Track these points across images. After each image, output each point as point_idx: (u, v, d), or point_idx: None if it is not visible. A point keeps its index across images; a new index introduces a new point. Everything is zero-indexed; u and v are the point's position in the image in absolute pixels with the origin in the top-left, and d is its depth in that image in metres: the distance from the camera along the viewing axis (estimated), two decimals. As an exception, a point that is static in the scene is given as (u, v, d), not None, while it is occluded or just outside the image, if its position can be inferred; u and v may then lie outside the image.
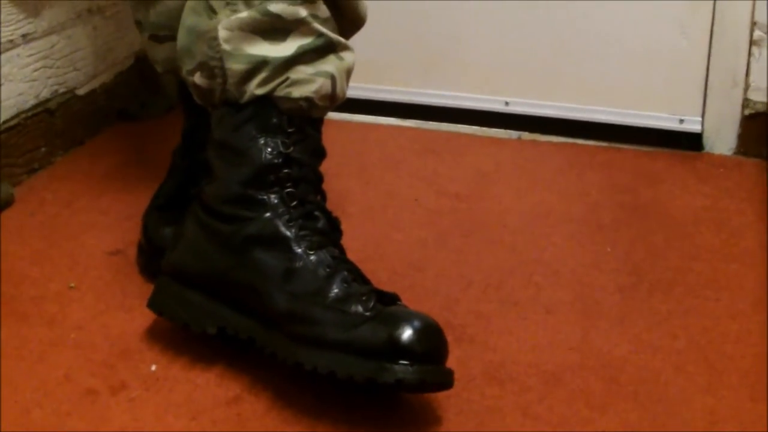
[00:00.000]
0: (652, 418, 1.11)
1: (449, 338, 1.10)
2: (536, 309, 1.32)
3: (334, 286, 1.10)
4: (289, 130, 1.14)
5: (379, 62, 1.93)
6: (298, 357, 1.08)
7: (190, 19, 1.17)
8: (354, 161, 1.74)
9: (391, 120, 1.95)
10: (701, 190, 1.69)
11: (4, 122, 1.61)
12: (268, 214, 1.13)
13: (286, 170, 1.14)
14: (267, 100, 1.14)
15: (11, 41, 1.62)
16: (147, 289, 1.28)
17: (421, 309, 1.12)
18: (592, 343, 1.25)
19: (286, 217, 1.13)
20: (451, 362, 1.10)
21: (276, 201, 1.13)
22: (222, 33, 1.13)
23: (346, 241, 1.20)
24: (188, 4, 1.19)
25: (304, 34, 1.14)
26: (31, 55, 1.66)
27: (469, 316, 1.30)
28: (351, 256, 1.18)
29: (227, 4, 1.14)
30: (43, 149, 1.70)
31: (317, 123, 1.18)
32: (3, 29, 1.59)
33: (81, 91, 1.80)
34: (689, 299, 1.35)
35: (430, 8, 1.92)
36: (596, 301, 1.35)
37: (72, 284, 1.36)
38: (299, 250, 1.12)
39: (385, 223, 1.55)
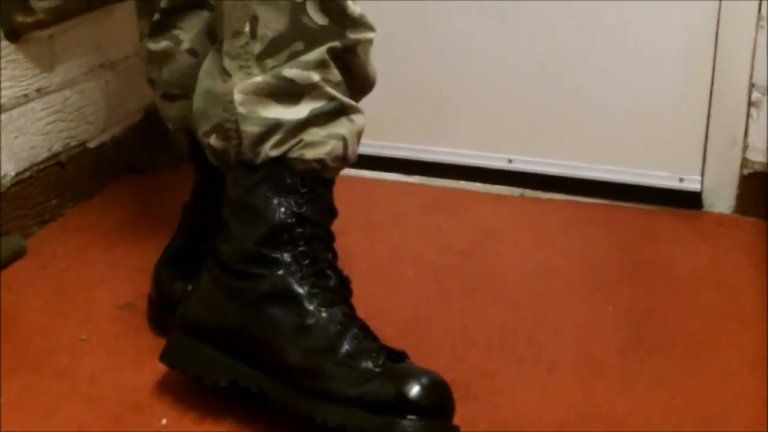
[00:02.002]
0: (652, 476, 1.13)
1: (454, 395, 1.13)
2: (539, 367, 1.34)
3: (345, 343, 1.13)
4: (302, 191, 1.17)
5: (386, 119, 1.95)
6: (309, 410, 1.10)
7: (205, 82, 1.21)
8: (360, 217, 1.77)
9: (397, 176, 1.98)
10: (701, 248, 1.71)
11: (17, 174, 1.64)
12: (281, 272, 1.16)
13: (299, 229, 1.17)
14: (281, 161, 1.17)
15: (26, 95, 1.65)
16: (157, 342, 1.30)
17: (426, 366, 1.15)
18: (593, 402, 1.27)
19: (299, 274, 1.16)
20: (456, 419, 1.12)
21: (289, 259, 1.16)
22: (237, 96, 1.16)
23: (351, 297, 1.22)
24: (203, 67, 1.22)
25: (317, 98, 1.17)
26: (44, 109, 1.70)
27: (473, 373, 1.32)
28: (357, 311, 1.21)
29: (241, 67, 1.17)
30: (54, 201, 1.73)
31: (329, 183, 1.21)
32: (18, 84, 1.63)
33: (92, 145, 1.83)
34: (688, 359, 1.37)
35: (436, 68, 1.95)
36: (597, 360, 1.36)
37: (83, 337, 1.38)
38: (311, 307, 1.15)
39: (390, 279, 1.57)
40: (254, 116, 1.16)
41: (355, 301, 1.23)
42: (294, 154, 1.17)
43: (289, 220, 1.16)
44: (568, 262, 1.64)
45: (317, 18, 1.17)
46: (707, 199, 1.86)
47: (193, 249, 1.40)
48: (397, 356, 1.14)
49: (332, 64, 1.18)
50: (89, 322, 1.42)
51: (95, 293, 1.50)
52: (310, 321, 1.14)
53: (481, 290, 1.55)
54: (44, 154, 1.70)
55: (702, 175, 1.86)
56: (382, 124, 1.94)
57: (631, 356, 1.38)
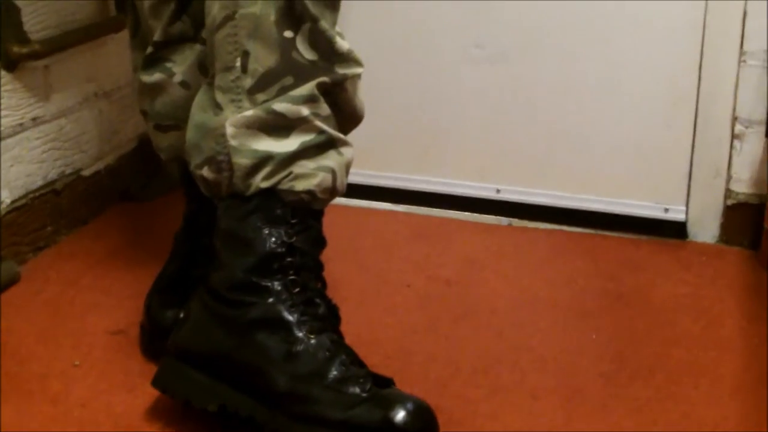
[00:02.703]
0: (632, 502, 1.15)
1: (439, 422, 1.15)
2: (522, 394, 1.36)
3: (333, 369, 1.16)
4: (292, 221, 1.20)
5: (375, 149, 1.97)
6: None
7: (198, 115, 1.23)
8: (348, 245, 1.79)
9: (385, 205, 1.99)
10: (684, 277, 1.72)
11: (12, 202, 1.66)
12: (271, 300, 1.19)
13: (289, 259, 1.19)
14: (271, 192, 1.19)
15: (21, 124, 1.67)
16: (149, 368, 1.32)
17: (411, 392, 1.17)
18: (575, 428, 1.29)
19: (289, 302, 1.18)
20: (440, 445, 1.15)
21: (279, 287, 1.19)
22: (229, 130, 1.19)
23: (340, 325, 1.25)
24: (196, 100, 1.25)
25: (307, 131, 1.20)
26: (39, 137, 1.72)
27: (457, 400, 1.34)
28: (345, 338, 1.23)
29: (232, 101, 1.20)
30: (48, 228, 1.75)
31: (318, 214, 1.24)
32: (14, 113, 1.65)
33: (86, 173, 1.84)
34: (669, 386, 1.39)
35: (424, 99, 1.97)
36: (580, 387, 1.38)
37: (76, 362, 1.40)
38: (300, 334, 1.17)
39: (377, 307, 1.59)
40: (245, 149, 1.19)
41: (343, 328, 1.25)
42: (284, 186, 1.19)
43: (279, 250, 1.19)
44: (553, 290, 1.66)
45: (306, 53, 1.20)
46: (692, 229, 1.89)
47: (184, 277, 1.42)
48: (383, 382, 1.17)
49: (321, 99, 1.21)
50: (82, 348, 1.44)
51: (88, 319, 1.52)
52: (299, 347, 1.17)
53: (467, 318, 1.57)
54: (39, 182, 1.72)
55: (687, 205, 1.88)
56: (371, 154, 1.95)
57: (613, 383, 1.40)
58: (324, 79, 1.21)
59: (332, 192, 1.23)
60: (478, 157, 1.97)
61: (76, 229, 1.82)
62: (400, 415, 1.11)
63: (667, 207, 1.89)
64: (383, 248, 1.81)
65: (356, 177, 1.92)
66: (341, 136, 1.24)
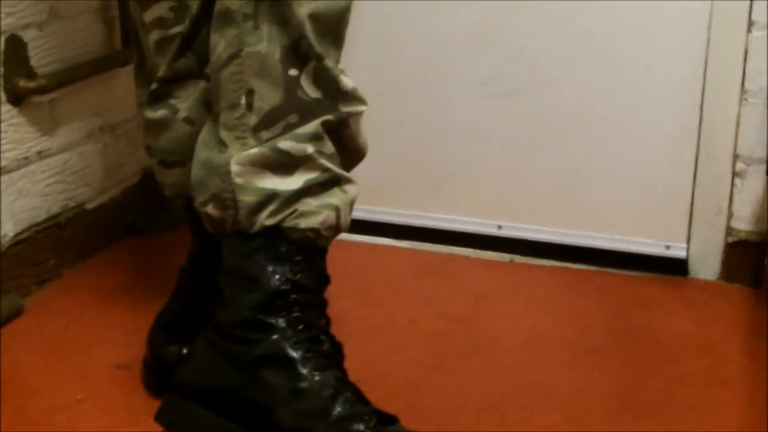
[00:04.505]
0: None
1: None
2: (529, 432, 1.36)
3: (338, 406, 1.16)
4: (297, 259, 1.20)
5: (379, 186, 1.97)
6: None
7: (203, 153, 1.24)
8: (353, 281, 1.79)
9: (389, 241, 1.99)
10: (687, 315, 1.73)
11: (16, 235, 1.66)
12: (276, 337, 1.19)
13: (293, 296, 1.20)
14: (276, 230, 1.20)
15: (26, 158, 1.67)
16: (152, 403, 1.32)
17: (416, 429, 1.17)
18: (581, 467, 1.29)
19: (293, 339, 1.19)
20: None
21: (284, 325, 1.19)
22: (234, 167, 1.19)
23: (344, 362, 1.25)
24: (200, 137, 1.25)
25: (311, 169, 1.20)
26: (44, 171, 1.72)
27: (461, 439, 1.34)
28: (349, 375, 1.23)
29: (237, 138, 1.20)
30: (52, 261, 1.75)
31: (322, 251, 1.24)
32: (19, 146, 1.65)
33: (90, 206, 1.85)
34: (675, 424, 1.39)
35: (427, 136, 1.97)
36: (586, 425, 1.38)
37: (80, 397, 1.40)
38: (305, 371, 1.18)
39: (382, 343, 1.59)
40: (251, 186, 1.19)
41: (348, 364, 1.25)
42: (289, 224, 1.20)
43: (283, 287, 1.19)
44: (558, 327, 1.66)
45: (311, 92, 1.20)
46: (693, 266, 1.89)
47: (188, 313, 1.42)
48: (388, 420, 1.17)
49: (326, 137, 1.21)
50: (86, 382, 1.44)
51: (92, 353, 1.52)
52: (304, 384, 1.17)
53: (473, 355, 1.57)
54: (43, 216, 1.73)
55: (688, 242, 1.88)
56: (375, 190, 1.96)
57: (619, 421, 1.39)
58: (328, 117, 1.21)
59: (336, 229, 1.23)
60: (479, 193, 1.97)
61: (80, 263, 1.82)
62: None
63: (669, 244, 1.90)
64: (387, 284, 1.81)
65: (360, 213, 1.92)
66: (345, 173, 1.24)
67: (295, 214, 1.20)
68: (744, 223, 1.83)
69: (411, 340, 1.61)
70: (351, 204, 1.25)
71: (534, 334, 1.64)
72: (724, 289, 1.83)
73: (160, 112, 1.37)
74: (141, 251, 1.89)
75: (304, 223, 1.20)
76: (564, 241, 1.93)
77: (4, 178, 1.63)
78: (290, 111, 1.20)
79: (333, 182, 1.23)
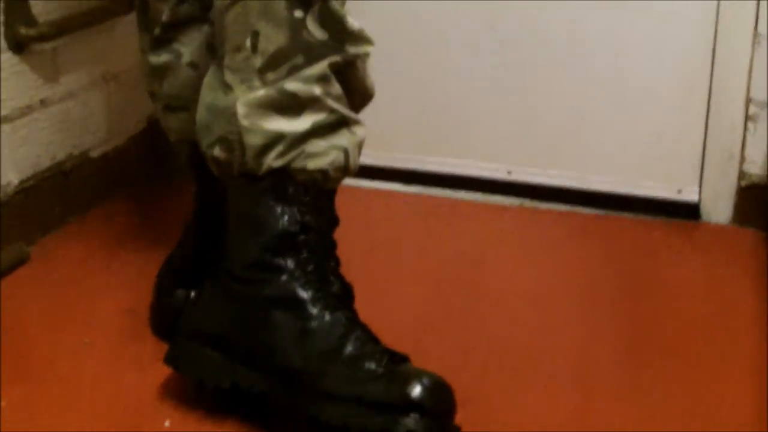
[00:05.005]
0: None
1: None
2: (536, 376, 1.35)
3: (349, 345, 1.15)
4: (305, 200, 1.19)
5: (386, 130, 1.96)
6: (312, 410, 1.12)
7: (208, 96, 1.22)
8: (360, 227, 1.77)
9: (396, 186, 1.99)
10: (698, 260, 1.72)
11: (20, 183, 1.65)
12: (285, 277, 1.18)
13: (302, 237, 1.19)
14: (284, 172, 1.18)
15: (29, 106, 1.66)
16: (159, 347, 1.31)
17: (425, 371, 1.16)
18: (590, 412, 1.28)
19: (303, 280, 1.18)
20: (453, 428, 1.14)
21: (293, 266, 1.18)
22: (240, 109, 1.18)
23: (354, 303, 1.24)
24: (205, 81, 1.24)
25: (318, 111, 1.19)
26: (47, 119, 1.71)
27: (470, 381, 1.32)
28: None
29: (243, 81, 1.19)
30: (57, 210, 1.74)
31: (331, 193, 1.23)
32: (22, 95, 1.64)
33: (95, 154, 1.84)
34: (686, 369, 1.38)
35: (436, 80, 1.96)
36: (595, 370, 1.37)
37: (86, 340, 1.39)
38: (315, 311, 1.17)
39: (390, 288, 1.58)
40: (257, 128, 1.18)
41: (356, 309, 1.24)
42: (296, 165, 1.18)
43: (292, 228, 1.18)
44: (567, 272, 1.66)
45: (317, 33, 1.18)
46: (705, 211, 1.88)
47: (195, 258, 1.41)
48: (399, 359, 1.16)
49: (333, 78, 1.20)
50: (92, 328, 1.43)
51: (98, 300, 1.51)
52: (314, 324, 1.16)
53: (480, 300, 1.56)
54: (47, 163, 1.72)
55: (700, 186, 1.88)
56: (383, 135, 1.95)
57: (629, 366, 1.39)
58: (335, 58, 1.20)
59: (345, 171, 1.22)
60: (489, 137, 1.96)
61: (85, 212, 1.81)
62: (417, 390, 1.10)
63: (680, 188, 1.89)
64: (395, 229, 1.81)
65: (368, 158, 1.91)
66: (353, 115, 1.23)
67: (302, 156, 1.18)
68: (757, 167, 1.82)
69: (418, 286, 1.60)
70: (359, 145, 1.24)
71: (542, 280, 1.63)
72: (736, 234, 1.82)
73: (163, 57, 1.37)
74: (146, 200, 1.89)
75: (312, 164, 1.18)
76: (574, 186, 1.92)
77: (8, 126, 1.62)
78: (296, 52, 1.18)
79: (341, 123, 1.21)
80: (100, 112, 1.85)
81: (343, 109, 1.21)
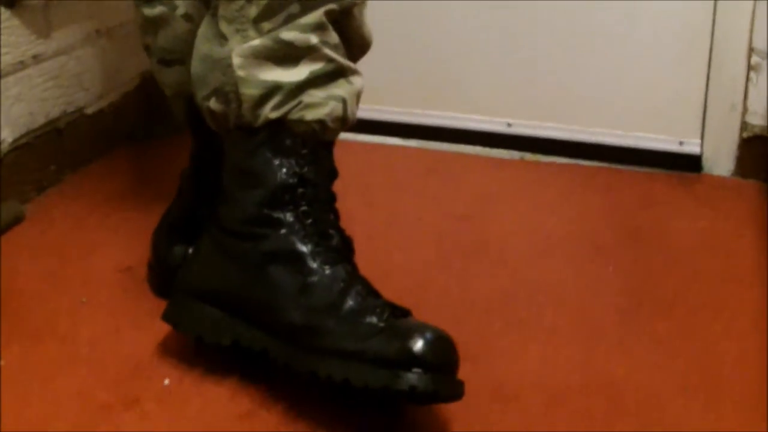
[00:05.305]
0: (653, 437, 1.13)
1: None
2: (538, 330, 1.35)
3: (349, 299, 1.13)
4: (303, 152, 1.17)
5: (384, 83, 1.95)
6: (313, 366, 1.10)
7: (203, 47, 1.20)
8: (358, 181, 1.77)
9: (395, 140, 1.98)
10: (700, 212, 1.71)
11: (14, 141, 1.64)
12: (283, 231, 1.16)
13: (300, 190, 1.17)
14: (281, 123, 1.16)
15: (22, 62, 1.64)
16: (157, 305, 1.30)
17: (428, 324, 1.15)
18: (593, 364, 1.27)
19: (302, 233, 1.16)
20: (456, 379, 1.13)
21: (292, 219, 1.16)
22: (236, 60, 1.16)
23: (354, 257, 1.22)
24: (200, 32, 1.22)
25: (315, 60, 1.17)
26: (41, 75, 1.69)
27: (472, 336, 1.32)
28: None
29: (238, 30, 1.17)
30: (52, 168, 1.73)
31: (329, 145, 1.21)
32: (14, 50, 1.62)
33: (89, 111, 1.82)
34: (689, 320, 1.37)
35: (434, 32, 1.94)
36: (597, 322, 1.37)
37: (83, 299, 1.38)
38: (314, 265, 1.15)
39: (388, 243, 1.57)
40: (253, 79, 1.16)
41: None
42: (294, 116, 1.16)
43: (290, 181, 1.16)
44: (568, 225, 1.65)
45: None
46: (707, 163, 1.87)
47: (191, 214, 1.40)
48: (400, 313, 1.14)
49: (330, 27, 1.18)
50: (89, 286, 1.42)
51: (94, 258, 1.50)
52: (314, 279, 1.14)
53: (481, 254, 1.55)
54: (41, 121, 1.70)
55: (701, 138, 1.87)
56: (381, 89, 1.94)
57: (631, 318, 1.38)
58: (332, 6, 1.18)
59: (343, 121, 1.20)
60: (488, 90, 1.95)
61: (80, 169, 1.80)
62: (419, 344, 1.08)
63: (682, 140, 1.87)
64: (394, 184, 1.80)
65: (366, 112, 1.90)
66: (351, 64, 1.21)
67: (300, 106, 1.16)
68: (759, 118, 1.81)
69: (418, 240, 1.59)
70: (357, 96, 1.22)
71: (543, 233, 1.62)
72: (738, 186, 1.81)
73: (157, 9, 1.35)
74: (142, 157, 1.87)
75: (310, 115, 1.17)
76: (574, 138, 1.91)
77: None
78: (291, 1, 1.16)
79: (338, 73, 1.19)
80: (94, 68, 1.83)
81: (341, 59, 1.19)
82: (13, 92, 1.63)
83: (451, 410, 1.14)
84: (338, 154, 1.24)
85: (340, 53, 1.20)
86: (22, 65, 1.64)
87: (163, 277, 1.37)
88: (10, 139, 1.62)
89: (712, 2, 1.79)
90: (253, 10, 1.16)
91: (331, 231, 1.18)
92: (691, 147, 1.86)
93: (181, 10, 1.33)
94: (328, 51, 1.18)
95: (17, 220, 1.59)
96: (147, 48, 1.41)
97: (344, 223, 1.22)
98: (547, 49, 1.90)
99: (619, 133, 1.89)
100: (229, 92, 1.17)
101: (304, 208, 1.17)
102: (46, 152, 1.71)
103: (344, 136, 1.24)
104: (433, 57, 1.95)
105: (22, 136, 1.65)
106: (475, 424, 1.14)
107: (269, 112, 1.16)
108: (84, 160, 1.81)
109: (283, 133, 1.17)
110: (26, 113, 1.66)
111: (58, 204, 1.67)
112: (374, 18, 1.29)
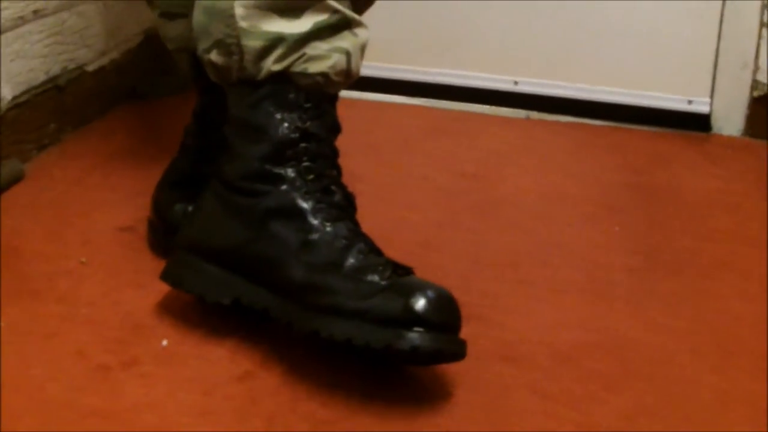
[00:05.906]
0: (663, 397, 1.12)
1: (462, 316, 1.11)
2: (548, 289, 1.33)
3: (351, 257, 1.11)
4: (306, 106, 1.15)
5: (390, 41, 1.93)
6: (314, 325, 1.08)
7: None
8: (365, 140, 1.75)
9: (401, 98, 1.96)
10: (711, 171, 1.69)
11: (14, 98, 1.61)
12: (285, 187, 1.14)
13: (303, 145, 1.15)
14: (284, 76, 1.14)
15: (22, 17, 1.61)
16: (158, 265, 1.28)
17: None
18: (604, 324, 1.26)
19: (304, 189, 1.14)
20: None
21: (293, 175, 1.14)
22: (238, 11, 1.14)
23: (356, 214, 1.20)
24: (203, -19, 1.19)
25: (320, 11, 1.15)
26: (41, 31, 1.66)
27: (481, 295, 1.31)
28: (362, 232, 1.19)
29: None
30: (52, 126, 1.71)
31: (333, 99, 1.18)
32: (14, 5, 1.59)
33: (91, 68, 1.80)
34: (700, 280, 1.36)
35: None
36: (608, 282, 1.35)
37: (83, 259, 1.36)
38: (316, 222, 1.13)
39: (396, 202, 1.56)
40: (256, 30, 1.14)
41: (361, 223, 1.20)
42: (297, 69, 1.14)
43: (293, 136, 1.14)
44: (577, 185, 1.63)
45: None
46: (716, 122, 1.85)
47: (194, 172, 1.38)
48: (403, 271, 1.12)
49: None
50: (89, 246, 1.40)
51: (95, 217, 1.48)
52: (315, 236, 1.12)
53: (490, 213, 1.54)
54: (42, 78, 1.67)
55: (711, 97, 1.85)
56: (387, 47, 1.92)
57: (643, 278, 1.36)
58: None
59: (347, 74, 1.17)
60: (494, 48, 1.93)
61: (81, 127, 1.78)
62: (421, 303, 1.06)
63: (691, 99, 1.86)
64: (400, 142, 1.78)
65: (372, 70, 1.89)
66: (356, 16, 1.18)
67: (303, 59, 1.14)
68: (770, 75, 1.79)
69: (424, 199, 1.58)
70: (362, 48, 1.19)
71: (551, 192, 1.61)
72: (748, 145, 1.80)
73: (160, -38, 1.32)
74: (143, 116, 1.85)
75: (314, 68, 1.14)
76: (582, 97, 1.90)
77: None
78: None
79: (343, 25, 1.17)
80: (96, 24, 1.81)
81: (346, 11, 1.17)
82: (13, 48, 1.60)
83: (459, 370, 1.12)
84: (343, 112, 1.22)
85: (345, 5, 1.17)
86: (22, 20, 1.62)
87: (164, 235, 1.35)
88: (9, 97, 1.60)
89: (725, -43, 1.77)
90: None
91: (334, 187, 1.16)
92: (701, 106, 1.85)
93: (183, -38, 1.31)
94: (332, 2, 1.15)
95: (17, 178, 1.57)
96: (150, 2, 1.39)
97: (350, 182, 1.20)
98: (555, 7, 1.87)
99: (627, 92, 1.88)
100: (231, 44, 1.15)
101: (306, 163, 1.14)
102: (47, 110, 1.69)
103: (349, 94, 1.21)
104: (439, 14, 1.94)
105: (22, 94, 1.63)
106: (483, 383, 1.13)
107: (272, 64, 1.14)
108: (85, 119, 1.79)
109: (286, 86, 1.14)
110: (26, 70, 1.64)
111: (59, 163, 1.65)
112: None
